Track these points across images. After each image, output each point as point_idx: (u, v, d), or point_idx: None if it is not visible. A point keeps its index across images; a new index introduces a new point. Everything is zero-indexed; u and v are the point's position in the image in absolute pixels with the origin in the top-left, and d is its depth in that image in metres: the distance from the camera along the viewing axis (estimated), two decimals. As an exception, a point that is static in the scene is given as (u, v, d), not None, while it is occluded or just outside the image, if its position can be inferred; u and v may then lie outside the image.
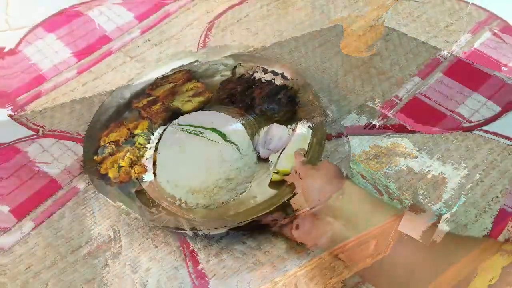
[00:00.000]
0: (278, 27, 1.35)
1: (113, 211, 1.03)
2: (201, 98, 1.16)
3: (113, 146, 1.07)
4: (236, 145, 1.01)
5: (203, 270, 0.95)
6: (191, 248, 0.98)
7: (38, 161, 1.11)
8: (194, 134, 1.02)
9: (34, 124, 1.18)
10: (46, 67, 1.28)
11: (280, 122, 1.12)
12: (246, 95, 1.14)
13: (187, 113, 1.15)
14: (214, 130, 1.00)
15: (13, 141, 1.15)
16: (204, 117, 1.04)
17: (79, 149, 1.13)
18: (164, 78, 1.20)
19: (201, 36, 1.33)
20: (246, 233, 0.99)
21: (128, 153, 1.06)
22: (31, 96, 1.22)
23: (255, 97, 1.13)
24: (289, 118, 1.12)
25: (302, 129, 1.08)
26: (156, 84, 1.17)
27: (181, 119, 1.05)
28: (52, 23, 1.37)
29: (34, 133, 1.16)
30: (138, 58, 1.28)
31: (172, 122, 1.05)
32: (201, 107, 1.16)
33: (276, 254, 0.97)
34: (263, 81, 1.17)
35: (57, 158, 1.12)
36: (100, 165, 1.06)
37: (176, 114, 1.14)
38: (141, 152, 1.08)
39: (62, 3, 1.42)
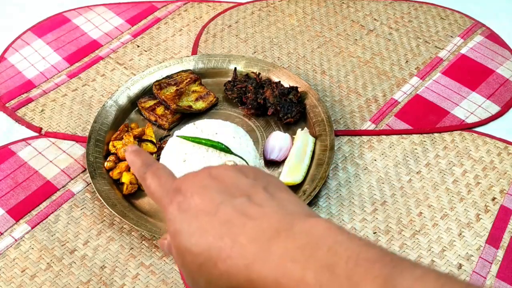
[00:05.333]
0: (269, 33, 1.35)
1: (108, 214, 1.02)
2: (203, 104, 1.16)
3: (114, 157, 1.07)
4: (243, 158, 0.99)
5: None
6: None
7: (34, 163, 1.10)
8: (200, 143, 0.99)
9: (30, 126, 1.17)
10: (34, 73, 1.26)
11: (291, 124, 1.12)
12: (258, 95, 1.14)
13: (199, 111, 1.16)
14: (218, 144, 0.98)
15: (9, 143, 1.14)
16: (209, 127, 1.02)
17: (75, 151, 1.12)
18: (169, 78, 1.20)
19: (190, 43, 1.33)
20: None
21: None
22: (21, 102, 1.20)
23: (267, 97, 1.13)
24: (299, 119, 1.13)
25: (304, 137, 1.08)
26: (161, 85, 1.17)
27: (185, 130, 1.03)
28: (40, 29, 1.36)
29: (31, 135, 1.15)
30: (126, 65, 1.28)
31: (176, 133, 1.03)
32: (210, 107, 1.18)
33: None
34: (272, 81, 1.17)
35: (52, 160, 1.10)
36: (112, 171, 1.06)
37: (184, 114, 1.16)
38: None
39: (51, 9, 1.41)
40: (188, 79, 1.19)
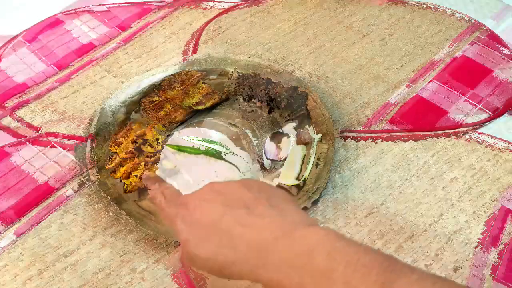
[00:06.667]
0: (262, 39, 1.34)
1: (104, 217, 1.01)
2: (205, 104, 1.16)
3: (118, 157, 1.07)
4: (234, 164, 0.99)
5: (194, 275, 0.93)
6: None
7: (26, 167, 1.09)
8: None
9: (30, 126, 1.16)
10: (24, 78, 1.25)
11: (293, 121, 1.13)
12: (267, 91, 1.16)
13: (201, 110, 1.16)
14: (211, 151, 0.97)
15: (2, 145, 1.12)
16: (201, 132, 1.02)
17: (72, 153, 1.11)
18: (171, 77, 1.20)
19: (181, 49, 1.32)
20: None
21: (137, 162, 1.06)
22: (14, 105, 1.19)
23: (274, 95, 1.13)
24: (303, 119, 1.14)
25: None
26: (163, 85, 1.18)
27: (185, 130, 1.03)
28: (29, 35, 1.35)
29: (28, 135, 1.14)
30: (116, 72, 1.26)
31: (176, 133, 1.03)
32: (212, 106, 1.17)
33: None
34: (274, 81, 1.19)
35: (46, 163, 1.09)
36: (112, 172, 1.06)
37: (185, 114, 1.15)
38: (149, 161, 1.08)
39: (41, 13, 1.40)
40: (192, 79, 1.19)
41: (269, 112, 1.13)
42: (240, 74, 1.21)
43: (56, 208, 1.03)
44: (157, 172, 1.03)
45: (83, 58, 1.30)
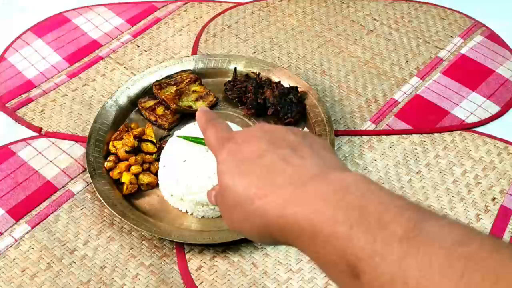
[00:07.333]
0: (269, 33, 1.35)
1: (108, 214, 1.02)
2: (203, 104, 1.16)
3: (114, 157, 1.07)
4: None
5: (195, 274, 0.95)
6: (185, 252, 0.97)
7: (34, 163, 1.10)
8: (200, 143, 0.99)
9: (30, 126, 1.17)
10: (34, 73, 1.26)
11: (291, 124, 1.12)
12: (258, 95, 1.14)
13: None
14: None
15: (9, 143, 1.13)
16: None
17: (75, 151, 1.12)
18: (169, 78, 1.20)
19: (190, 43, 1.33)
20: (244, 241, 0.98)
21: (136, 162, 1.06)
22: (21, 102, 1.20)
23: (267, 97, 1.13)
24: (299, 119, 1.13)
25: None
26: (161, 85, 1.17)
27: (185, 130, 1.03)
28: (40, 29, 1.36)
29: (31, 135, 1.15)
30: (127, 65, 1.28)
31: (176, 133, 1.03)
32: (210, 107, 1.17)
33: (269, 261, 0.97)
34: (272, 81, 1.17)
35: (52, 160, 1.10)
36: (112, 171, 1.06)
37: (184, 114, 1.15)
38: (149, 160, 1.08)
39: (51, 9, 1.41)
40: (188, 79, 1.19)
41: (268, 113, 1.13)
42: (239, 75, 1.21)
43: (64, 203, 1.04)
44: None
45: (94, 52, 1.31)
